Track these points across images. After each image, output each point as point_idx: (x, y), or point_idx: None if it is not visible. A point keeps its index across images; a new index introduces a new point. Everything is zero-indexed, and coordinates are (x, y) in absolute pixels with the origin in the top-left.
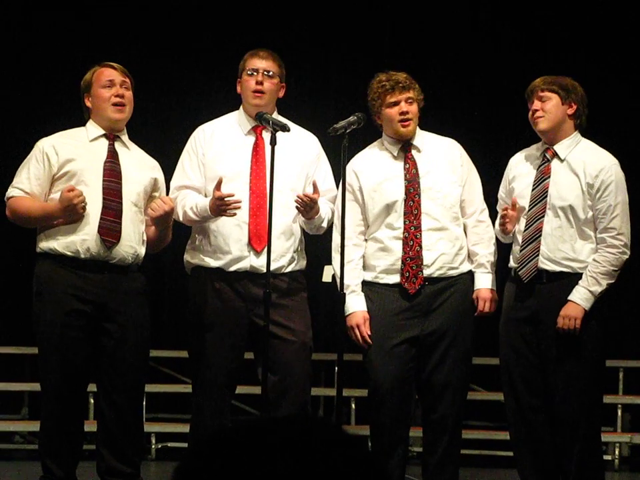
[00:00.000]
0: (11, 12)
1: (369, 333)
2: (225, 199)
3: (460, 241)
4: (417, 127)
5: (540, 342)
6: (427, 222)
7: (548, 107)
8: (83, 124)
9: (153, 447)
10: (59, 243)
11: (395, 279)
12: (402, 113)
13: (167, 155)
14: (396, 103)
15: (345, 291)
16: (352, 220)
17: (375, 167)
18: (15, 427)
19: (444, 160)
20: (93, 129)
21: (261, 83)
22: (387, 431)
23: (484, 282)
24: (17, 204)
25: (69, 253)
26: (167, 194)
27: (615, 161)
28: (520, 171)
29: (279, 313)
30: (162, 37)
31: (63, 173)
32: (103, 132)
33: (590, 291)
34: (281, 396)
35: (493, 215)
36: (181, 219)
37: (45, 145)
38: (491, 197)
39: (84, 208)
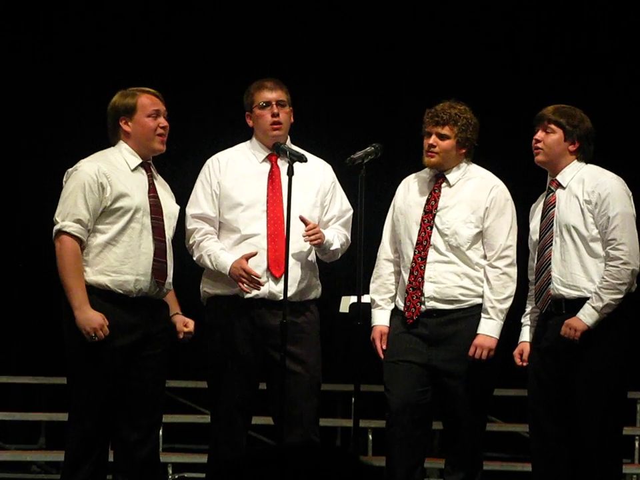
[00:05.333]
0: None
1: (384, 347)
2: (250, 275)
3: (471, 277)
4: (464, 161)
5: (561, 372)
6: (433, 255)
7: (548, 141)
8: (104, 142)
9: (170, 477)
10: (110, 280)
11: (401, 304)
12: (429, 145)
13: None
14: (429, 134)
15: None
16: (388, 236)
17: (409, 191)
18: (32, 457)
19: (469, 199)
20: (131, 157)
21: (277, 115)
22: (398, 454)
23: (482, 327)
24: (69, 253)
25: (119, 291)
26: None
27: (613, 176)
28: (536, 212)
29: (293, 346)
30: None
31: (116, 208)
32: (140, 160)
33: (593, 307)
34: (287, 429)
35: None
36: (194, 258)
37: (98, 173)
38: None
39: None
